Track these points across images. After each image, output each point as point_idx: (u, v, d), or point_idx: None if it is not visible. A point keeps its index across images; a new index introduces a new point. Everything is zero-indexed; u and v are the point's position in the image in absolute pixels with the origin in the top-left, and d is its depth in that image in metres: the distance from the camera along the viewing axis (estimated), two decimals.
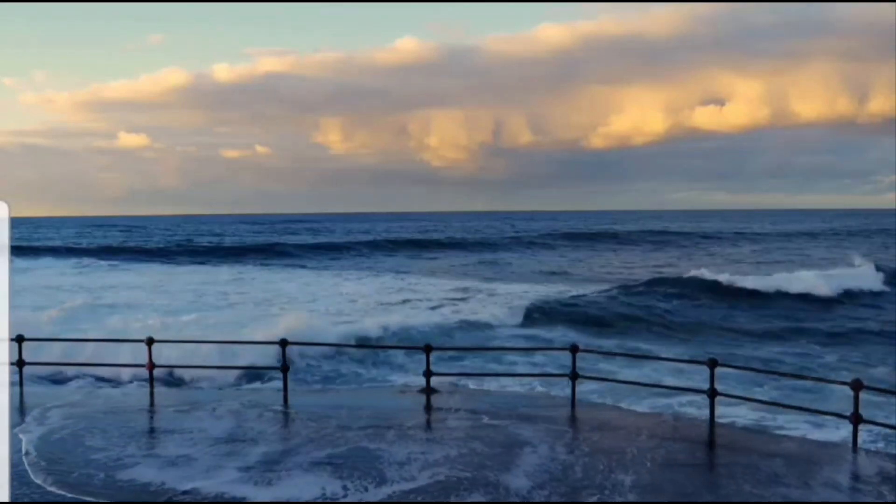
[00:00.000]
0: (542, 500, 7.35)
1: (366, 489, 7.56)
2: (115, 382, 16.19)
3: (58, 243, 79.53)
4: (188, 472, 8.10)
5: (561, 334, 27.06)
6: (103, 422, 10.22)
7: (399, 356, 21.60)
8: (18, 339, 11.96)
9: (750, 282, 37.15)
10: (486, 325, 28.76)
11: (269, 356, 16.88)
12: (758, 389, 17.02)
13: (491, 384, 17.43)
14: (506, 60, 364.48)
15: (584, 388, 14.60)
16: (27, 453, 8.73)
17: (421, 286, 42.99)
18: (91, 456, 8.70)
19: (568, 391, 11.44)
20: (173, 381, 15.98)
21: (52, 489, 7.64)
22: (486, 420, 10.20)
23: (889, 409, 12.86)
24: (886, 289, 38.46)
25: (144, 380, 12.35)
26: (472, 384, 16.85)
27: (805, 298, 35.32)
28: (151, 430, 10.28)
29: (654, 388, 15.42)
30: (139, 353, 12.46)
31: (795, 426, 14.25)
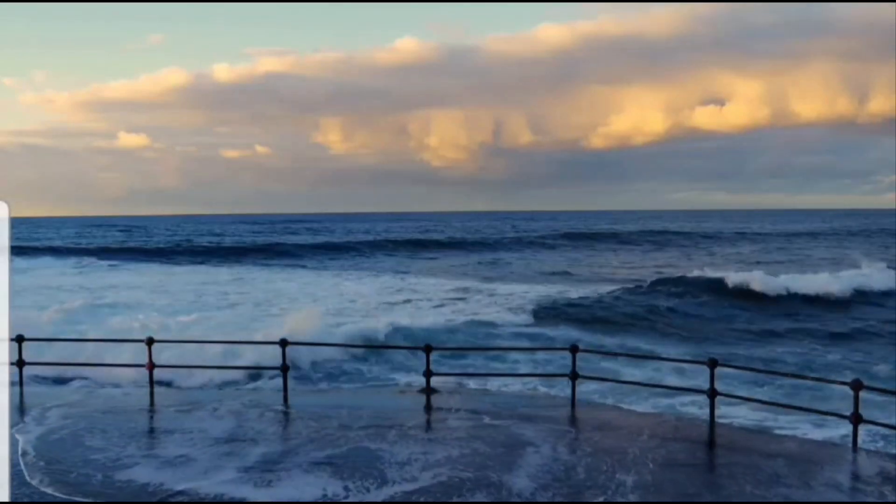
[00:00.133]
0: (545, 500, 7.33)
1: (367, 490, 7.54)
2: (115, 382, 16.16)
3: (58, 243, 79.52)
4: (187, 472, 8.08)
5: (564, 333, 27.06)
6: (103, 422, 10.21)
7: (402, 356, 21.56)
8: (18, 339, 11.95)
9: (757, 282, 36.79)
10: (490, 325, 28.71)
11: (270, 356, 16.86)
12: (761, 389, 17.06)
13: (491, 384, 17.43)
14: (506, 60, 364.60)
15: (586, 388, 14.64)
16: (25, 453, 8.71)
17: (422, 286, 42.98)
18: (90, 456, 8.68)
19: (569, 391, 11.43)
20: (173, 382, 15.95)
21: (48, 490, 7.59)
22: (486, 420, 10.19)
23: (890, 408, 12.84)
24: None
25: (144, 380, 12.33)
26: (472, 384, 16.86)
27: (815, 299, 35.05)
28: (151, 431, 10.27)
29: (655, 388, 15.44)
30: (139, 354, 12.46)
31: (796, 426, 14.26)
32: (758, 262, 54.32)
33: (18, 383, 12.04)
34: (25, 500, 7.37)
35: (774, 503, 7.33)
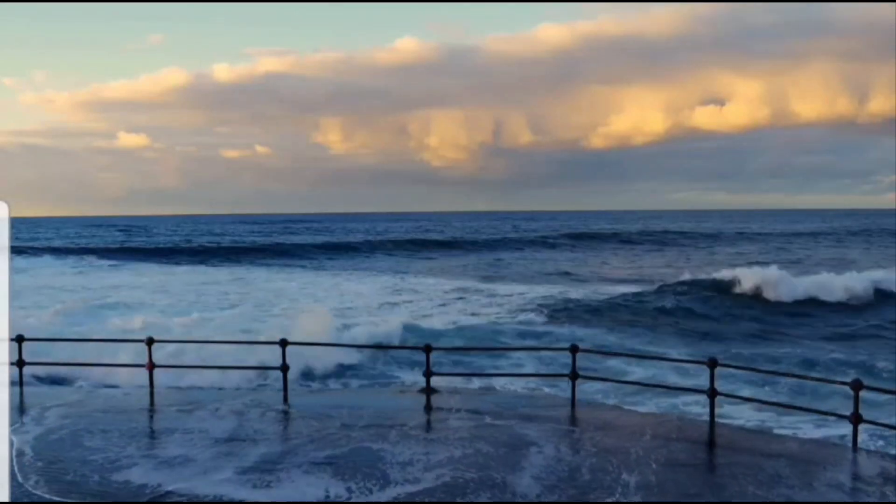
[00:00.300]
0: (552, 500, 7.31)
1: (370, 491, 7.52)
2: (115, 383, 16.15)
3: (58, 243, 79.53)
4: (187, 473, 8.06)
5: (569, 332, 27.09)
6: (103, 422, 10.19)
7: (406, 354, 21.50)
8: (18, 339, 11.93)
9: (771, 283, 36.36)
10: (495, 325, 28.70)
11: (270, 357, 16.85)
12: (766, 389, 17.09)
13: (492, 384, 17.43)
14: (506, 60, 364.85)
15: (590, 387, 14.66)
16: (22, 454, 8.69)
17: (422, 286, 42.99)
18: (88, 457, 8.66)
19: (572, 391, 11.40)
20: (174, 382, 15.94)
21: (38, 492, 7.51)
22: (488, 420, 10.16)
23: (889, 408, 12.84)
24: None
25: (145, 380, 12.31)
26: (475, 383, 16.85)
27: (822, 301, 34.88)
28: (151, 431, 10.24)
29: (657, 388, 15.44)
30: (140, 354, 12.44)
31: (798, 426, 14.27)
32: (757, 262, 54.29)
33: (18, 383, 12.01)
34: (19, 500, 7.33)
35: (777, 503, 7.32)
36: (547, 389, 15.92)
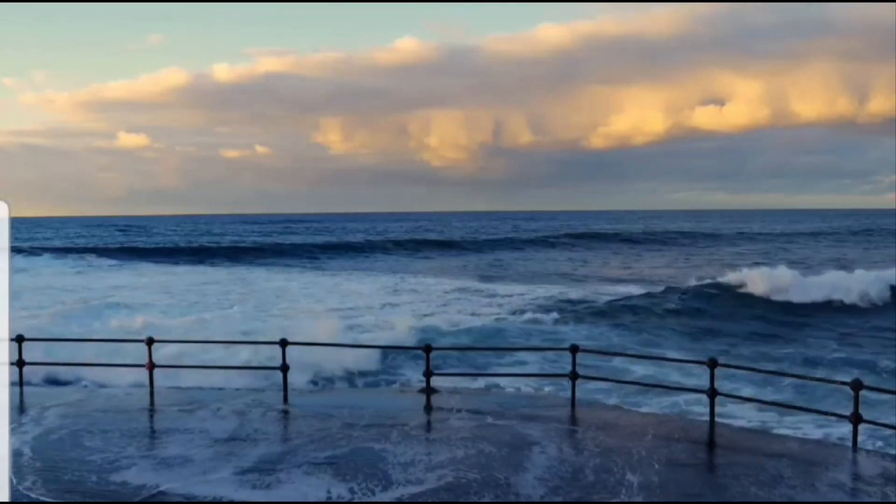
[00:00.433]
0: (557, 500, 7.30)
1: (372, 492, 7.48)
2: (115, 383, 16.14)
3: (58, 243, 79.56)
4: (186, 473, 8.04)
5: (570, 331, 27.09)
6: (102, 422, 10.18)
7: (410, 355, 21.45)
8: (18, 339, 11.92)
9: (783, 283, 36.02)
10: (500, 325, 28.67)
11: (269, 357, 16.85)
12: (769, 389, 17.10)
13: (492, 384, 17.42)
14: (506, 60, 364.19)
15: (592, 387, 14.64)
16: (21, 454, 8.66)
17: (423, 286, 42.99)
18: (88, 457, 8.63)
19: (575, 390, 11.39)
20: (174, 382, 15.93)
21: (31, 494, 7.45)
22: (489, 420, 10.15)
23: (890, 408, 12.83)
24: None
25: (145, 380, 12.30)
26: (475, 384, 16.84)
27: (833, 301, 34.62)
28: (151, 431, 10.22)
29: (657, 388, 15.44)
30: (140, 354, 12.43)
31: (800, 426, 14.27)
32: (759, 263, 54.29)
33: (18, 383, 12.00)
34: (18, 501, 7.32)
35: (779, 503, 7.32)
36: (548, 389, 15.94)
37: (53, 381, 16.81)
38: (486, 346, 24.72)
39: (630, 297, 35.87)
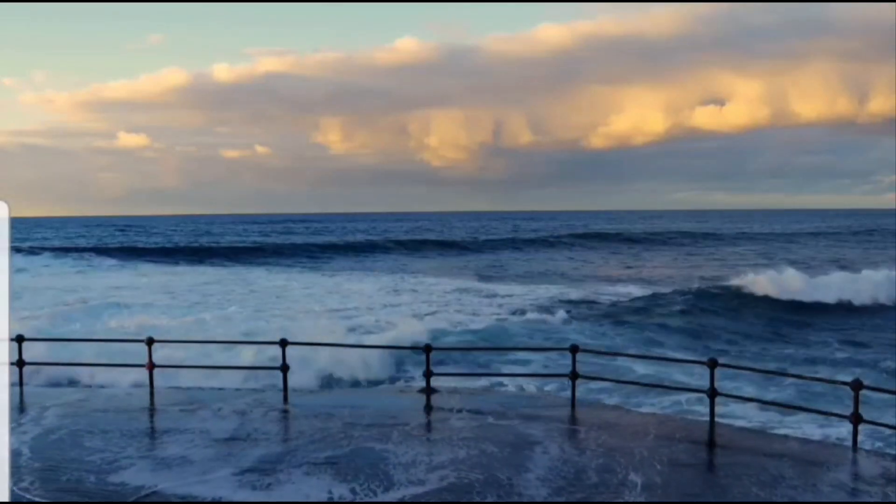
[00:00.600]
0: (555, 501, 7.28)
1: (374, 493, 7.46)
2: (115, 383, 16.14)
3: (57, 243, 79.51)
4: (185, 473, 8.02)
5: (573, 329, 27.06)
6: (102, 422, 10.16)
7: (411, 355, 21.40)
8: (18, 339, 11.91)
9: (790, 284, 35.82)
10: (497, 325, 28.61)
11: (270, 357, 16.83)
12: (771, 389, 17.08)
13: (493, 384, 17.40)
14: (506, 60, 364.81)
15: (594, 386, 14.61)
16: (20, 455, 8.64)
17: (423, 286, 42.92)
18: (87, 457, 8.61)
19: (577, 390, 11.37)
20: (174, 382, 15.92)
21: (28, 496, 7.42)
22: (490, 420, 10.14)
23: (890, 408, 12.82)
24: None
25: (145, 380, 12.29)
26: (474, 383, 16.80)
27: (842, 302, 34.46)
28: (151, 431, 10.20)
29: (657, 387, 15.42)
30: (140, 354, 12.42)
31: (801, 425, 14.25)
32: (760, 263, 54.26)
33: (18, 383, 11.99)
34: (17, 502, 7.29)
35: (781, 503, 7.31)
36: (548, 389, 15.93)
37: (53, 382, 16.78)
38: (487, 346, 24.67)
39: (631, 297, 35.83)
